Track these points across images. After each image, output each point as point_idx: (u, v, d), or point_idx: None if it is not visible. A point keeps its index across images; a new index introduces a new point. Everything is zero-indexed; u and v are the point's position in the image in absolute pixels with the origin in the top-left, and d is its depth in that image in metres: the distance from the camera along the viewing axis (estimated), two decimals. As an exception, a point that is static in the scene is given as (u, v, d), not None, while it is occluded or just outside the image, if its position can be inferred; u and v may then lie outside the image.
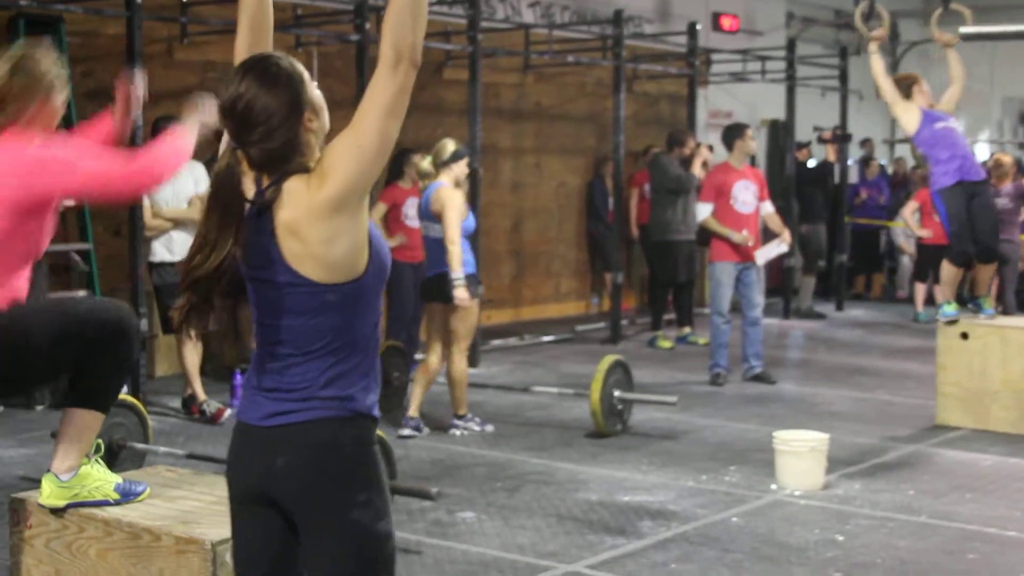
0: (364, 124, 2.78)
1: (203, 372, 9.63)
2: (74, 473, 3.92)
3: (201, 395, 8.43)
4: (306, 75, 2.92)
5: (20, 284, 3.98)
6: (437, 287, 7.83)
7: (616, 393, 7.99)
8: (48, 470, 3.95)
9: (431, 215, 7.84)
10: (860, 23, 9.30)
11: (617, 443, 7.79)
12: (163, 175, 4.07)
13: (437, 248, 7.83)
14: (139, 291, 8.55)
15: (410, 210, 9.70)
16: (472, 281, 7.81)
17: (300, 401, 2.88)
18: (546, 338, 12.40)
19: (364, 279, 2.87)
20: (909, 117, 8.42)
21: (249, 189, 2.90)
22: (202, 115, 4.16)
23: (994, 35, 8.33)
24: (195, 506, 3.89)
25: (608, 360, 8.01)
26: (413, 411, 7.98)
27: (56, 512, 3.90)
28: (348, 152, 2.79)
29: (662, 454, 7.51)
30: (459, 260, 7.72)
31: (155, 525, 3.69)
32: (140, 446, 6.47)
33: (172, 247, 8.45)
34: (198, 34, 10.37)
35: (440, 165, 7.91)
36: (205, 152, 8.94)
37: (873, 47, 8.72)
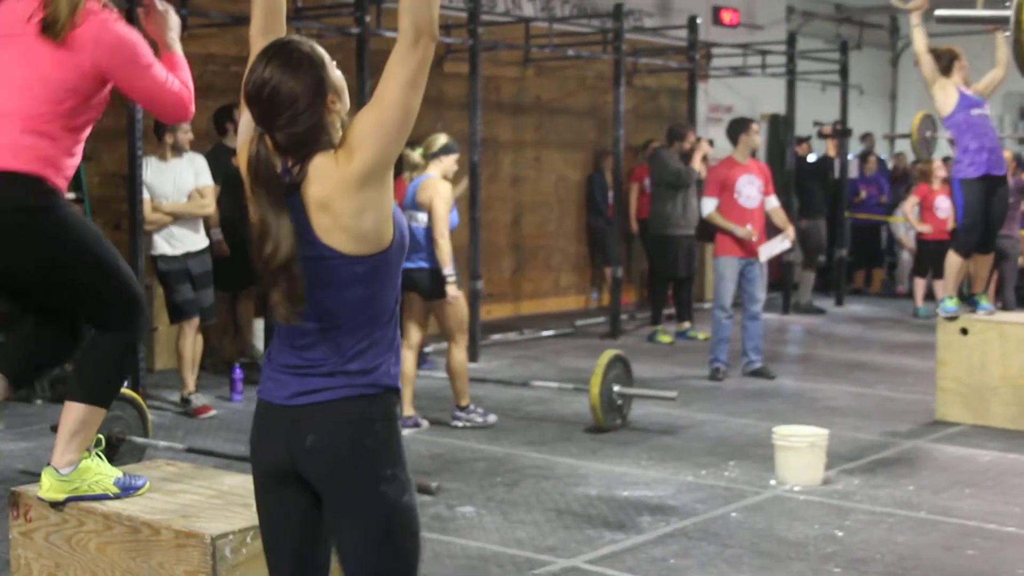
0: (387, 99, 2.85)
1: (203, 366, 9.64)
2: (74, 467, 3.92)
3: (190, 387, 8.42)
4: (327, 57, 2.98)
5: (72, 172, 4.03)
6: (420, 281, 7.78)
7: (616, 388, 7.99)
8: (48, 464, 3.95)
9: (416, 205, 7.82)
10: None
11: (617, 438, 7.79)
12: (191, 110, 4.18)
13: (418, 240, 7.79)
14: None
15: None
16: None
17: (326, 377, 2.93)
18: (546, 333, 12.39)
19: (390, 251, 2.95)
20: (945, 97, 8.36)
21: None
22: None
23: (968, 19, 8.22)
24: (195, 500, 3.89)
25: (608, 355, 8.00)
26: (407, 410, 7.97)
27: (56, 506, 3.90)
28: (372, 127, 2.86)
29: (661, 449, 7.51)
30: (449, 255, 7.72)
31: (155, 519, 3.69)
32: (140, 440, 6.47)
33: (173, 241, 8.45)
34: (199, 26, 10.35)
35: (430, 157, 7.90)
36: (205, 144, 9.01)
37: (915, 19, 8.45)
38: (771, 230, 10.27)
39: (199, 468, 4.45)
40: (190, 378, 8.42)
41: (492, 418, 8.09)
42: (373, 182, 2.88)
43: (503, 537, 5.71)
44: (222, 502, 3.85)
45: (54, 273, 3.97)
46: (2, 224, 3.88)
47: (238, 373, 8.88)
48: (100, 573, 3.81)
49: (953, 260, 8.55)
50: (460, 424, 8.01)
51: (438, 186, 7.79)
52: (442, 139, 7.96)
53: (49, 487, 3.92)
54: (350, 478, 2.93)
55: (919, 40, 8.41)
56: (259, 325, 9.99)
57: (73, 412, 3.98)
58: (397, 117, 2.86)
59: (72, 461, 3.93)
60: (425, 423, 8.00)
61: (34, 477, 4.08)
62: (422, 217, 7.80)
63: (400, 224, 3.00)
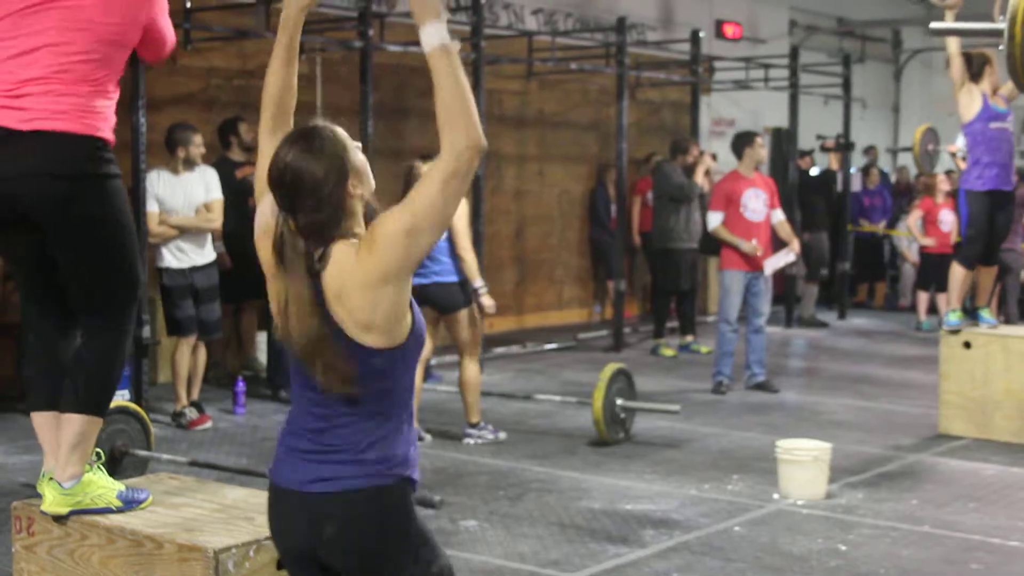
0: (419, 203, 2.81)
1: (206, 379, 9.64)
2: (77, 480, 3.90)
3: (183, 400, 8.42)
4: (349, 142, 2.98)
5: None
6: (434, 295, 7.77)
7: (619, 401, 7.98)
8: (50, 478, 3.94)
9: None
10: None
11: (620, 451, 7.78)
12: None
13: (431, 253, 7.78)
14: (143, 297, 8.55)
15: None
16: (460, 289, 7.79)
17: (342, 465, 2.92)
18: (548, 346, 12.39)
19: (407, 343, 2.93)
20: (969, 103, 8.33)
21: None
22: None
23: (963, 31, 8.17)
24: (198, 514, 3.88)
25: (611, 368, 8.00)
26: (474, 417, 7.99)
27: (59, 519, 3.90)
28: (402, 229, 2.81)
29: (665, 463, 7.50)
30: (476, 268, 7.75)
31: (158, 533, 3.69)
32: (142, 453, 6.46)
33: (180, 255, 8.41)
34: (202, 40, 10.36)
35: None
36: (208, 156, 9.00)
37: (949, 17, 8.31)
38: (776, 243, 10.27)
39: (202, 482, 4.44)
40: (183, 392, 8.41)
41: (503, 435, 8.07)
42: (393, 281, 2.85)
43: (506, 551, 5.70)
44: (225, 516, 3.85)
45: (88, 247, 3.95)
46: (54, 190, 3.85)
47: (240, 386, 8.88)
48: (103, 587, 3.80)
49: (957, 272, 8.54)
50: (472, 441, 7.98)
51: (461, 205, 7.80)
52: None
53: (52, 501, 3.89)
54: (371, 570, 2.95)
55: (952, 42, 8.33)
56: (262, 338, 9.99)
57: (72, 425, 3.94)
58: (427, 224, 2.80)
59: (75, 474, 3.90)
60: (428, 437, 7.99)
61: (37, 490, 4.06)
62: None
63: (417, 315, 2.98)
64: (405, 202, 2.84)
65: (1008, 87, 8.37)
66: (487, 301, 7.82)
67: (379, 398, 2.95)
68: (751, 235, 9.75)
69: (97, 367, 4.00)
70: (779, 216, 10.11)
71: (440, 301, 7.76)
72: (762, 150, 10.05)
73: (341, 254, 2.89)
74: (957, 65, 8.28)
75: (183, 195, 8.41)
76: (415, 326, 2.96)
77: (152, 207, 8.35)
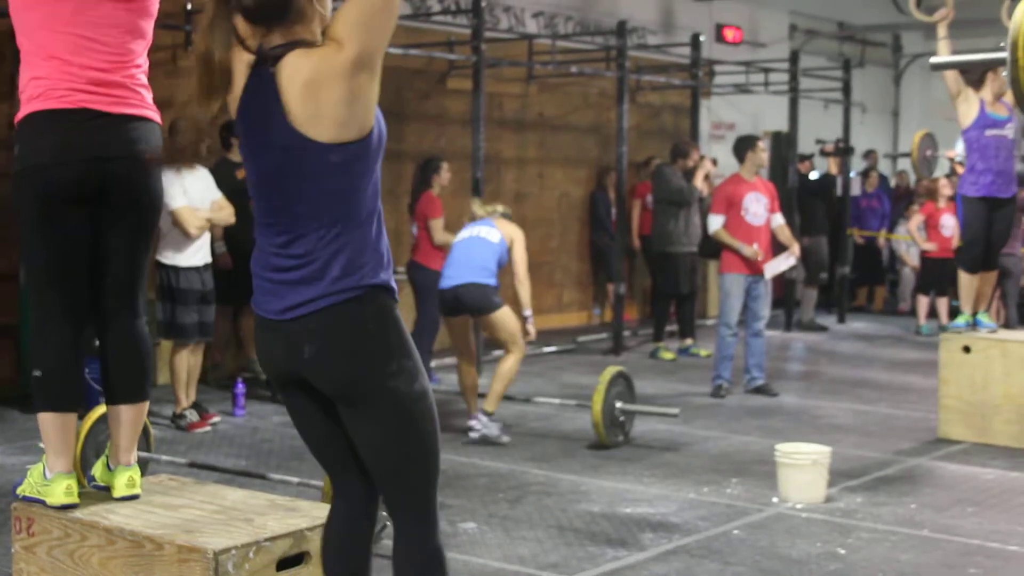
0: None
1: (204, 380, 9.65)
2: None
3: (183, 403, 8.38)
4: None
5: None
6: (465, 297, 7.86)
7: (618, 404, 7.99)
8: (115, 466, 4.05)
9: (492, 225, 8.11)
10: (915, 9, 8.87)
11: (619, 454, 7.78)
12: None
13: (467, 253, 7.99)
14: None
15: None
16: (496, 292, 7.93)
17: (311, 286, 3.00)
18: (548, 349, 12.39)
19: (368, 140, 3.00)
20: (967, 110, 8.38)
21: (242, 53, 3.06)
22: None
23: (965, 63, 8.21)
24: (197, 515, 3.88)
25: (610, 371, 8.00)
26: (491, 405, 8.09)
27: (58, 520, 3.90)
28: (356, 18, 2.92)
29: (664, 466, 7.50)
30: (528, 297, 8.17)
31: (157, 534, 3.69)
32: (143, 455, 6.44)
33: (195, 254, 8.32)
34: (202, 42, 10.36)
35: (502, 215, 8.28)
36: (211, 159, 9.00)
37: (941, 31, 8.37)
38: (776, 247, 10.27)
39: (202, 483, 4.44)
40: (183, 395, 8.38)
41: (506, 438, 8.07)
42: (366, 69, 2.94)
43: (505, 554, 5.70)
44: (225, 517, 3.85)
45: (141, 236, 4.04)
46: (141, 173, 3.94)
47: (240, 388, 8.88)
48: (102, 588, 3.80)
49: (963, 277, 8.60)
50: (476, 430, 8.00)
51: (519, 232, 8.12)
52: (500, 208, 8.36)
53: (128, 483, 4.03)
54: (352, 382, 3.03)
55: (944, 53, 8.38)
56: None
57: (133, 412, 4.06)
58: (378, 4, 2.91)
59: (135, 457, 4.09)
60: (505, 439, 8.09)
61: (89, 485, 4.19)
62: (493, 235, 8.00)
63: (380, 121, 3.05)
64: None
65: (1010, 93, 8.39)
66: (532, 329, 8.18)
67: (337, 202, 2.99)
68: (752, 239, 9.76)
69: (143, 353, 4.09)
70: (779, 220, 10.12)
71: (474, 302, 7.81)
72: (764, 154, 10.06)
73: (307, 54, 2.96)
74: (951, 75, 8.32)
75: (201, 189, 8.37)
76: (377, 128, 3.03)
77: (183, 201, 8.19)
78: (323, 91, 2.90)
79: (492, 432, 7.99)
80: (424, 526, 3.16)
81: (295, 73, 2.93)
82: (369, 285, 3.01)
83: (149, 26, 4.03)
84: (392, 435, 3.07)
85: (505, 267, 8.08)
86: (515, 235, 8.05)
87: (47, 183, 3.83)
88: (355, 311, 3.00)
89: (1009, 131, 8.40)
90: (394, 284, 3.10)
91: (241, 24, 3.02)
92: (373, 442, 3.09)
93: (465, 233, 8.14)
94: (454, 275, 7.93)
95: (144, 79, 4.01)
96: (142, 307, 4.11)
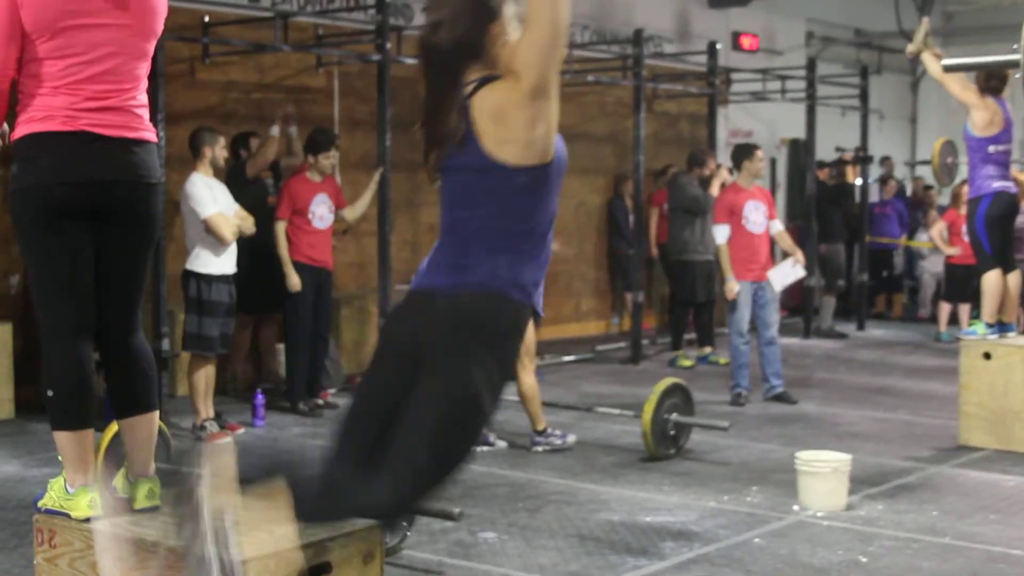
0: (534, 17, 3.19)
1: (224, 392, 9.68)
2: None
3: (203, 414, 8.39)
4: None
5: None
6: None
7: (672, 416, 7.87)
8: (135, 478, 4.10)
9: None
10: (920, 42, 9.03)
11: (639, 464, 7.77)
12: None
13: None
14: (161, 310, 8.57)
15: None
16: None
17: (471, 271, 3.29)
18: (567, 358, 12.38)
19: (551, 165, 3.32)
20: (976, 117, 8.44)
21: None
22: None
23: (977, 66, 8.23)
24: (218, 526, 3.88)
25: (665, 383, 7.89)
26: (538, 424, 8.11)
27: (79, 532, 3.91)
28: (528, 50, 3.21)
29: (683, 475, 7.49)
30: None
31: (177, 544, 3.68)
32: (162, 466, 6.46)
33: (227, 262, 8.35)
34: (220, 54, 10.42)
35: None
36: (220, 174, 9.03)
37: (933, 62, 8.52)
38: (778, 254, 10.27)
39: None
40: (202, 407, 8.40)
41: (571, 438, 8.12)
42: (543, 94, 3.22)
43: (526, 563, 5.69)
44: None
45: (140, 256, 4.09)
46: (141, 196, 3.99)
47: (259, 399, 8.89)
48: (124, 599, 3.81)
49: (985, 279, 8.61)
50: (540, 449, 8.02)
51: None
52: None
53: (150, 494, 4.08)
54: (451, 343, 3.26)
55: (932, 67, 8.53)
56: (281, 350, 10.01)
57: (149, 423, 4.12)
58: (547, 32, 3.18)
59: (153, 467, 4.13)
60: (502, 443, 8.11)
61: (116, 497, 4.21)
62: None
63: (560, 148, 3.36)
64: (524, 27, 3.26)
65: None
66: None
67: (520, 219, 3.31)
68: (753, 247, 9.81)
69: (146, 365, 4.13)
70: (778, 227, 10.12)
71: None
72: (761, 163, 10.06)
73: (494, 86, 3.28)
74: (950, 84, 8.43)
75: (227, 198, 8.40)
76: (558, 154, 3.35)
77: (215, 208, 8.20)
78: (509, 117, 3.24)
79: (555, 443, 8.05)
80: (392, 489, 3.33)
81: (484, 103, 3.27)
82: (517, 294, 3.32)
83: (153, 46, 4.06)
84: (433, 411, 3.27)
85: None
86: None
87: (46, 199, 3.86)
88: (496, 300, 3.28)
89: (1010, 146, 8.56)
90: (539, 310, 3.39)
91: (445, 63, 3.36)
92: (418, 406, 3.28)
93: None
94: None
95: (144, 99, 4.04)
96: (140, 322, 4.15)
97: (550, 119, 3.27)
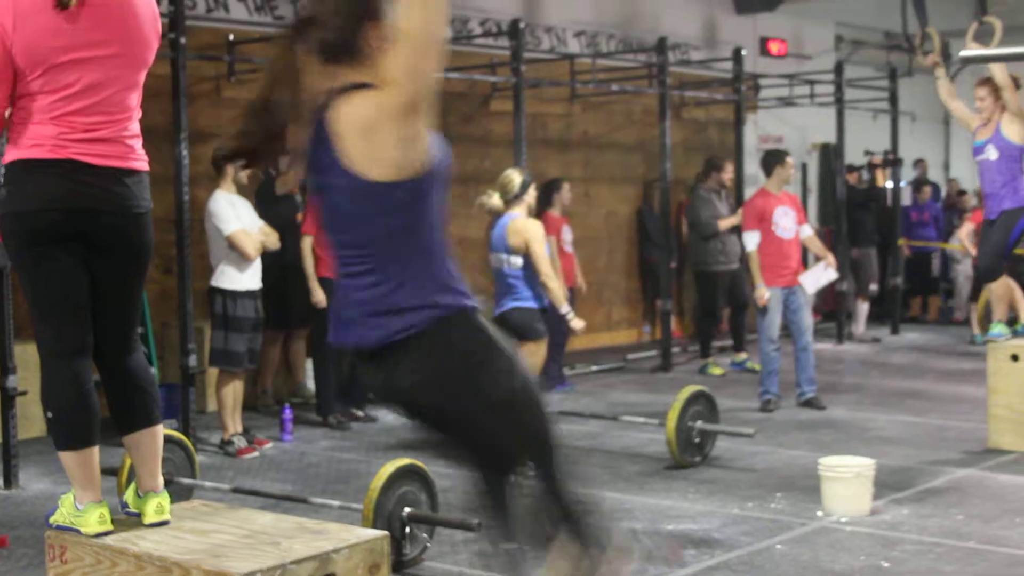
0: (409, 31, 2.98)
1: (254, 407, 9.73)
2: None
3: (231, 429, 8.41)
4: None
5: None
6: (510, 322, 7.75)
7: (696, 424, 7.85)
8: (143, 493, 4.14)
9: (509, 248, 7.84)
10: (926, 55, 9.13)
11: (663, 472, 7.76)
12: None
13: (508, 282, 7.85)
14: (188, 327, 8.63)
15: (567, 235, 10.94)
16: (540, 317, 7.85)
17: (393, 316, 3.09)
18: (596, 367, 12.38)
19: (431, 172, 3.10)
20: (1018, 127, 8.53)
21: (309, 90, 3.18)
22: None
23: (994, 57, 8.21)
24: (227, 540, 3.91)
25: (688, 390, 7.88)
26: None
27: (89, 547, 3.95)
28: (405, 62, 2.98)
29: (709, 482, 7.47)
30: (562, 294, 7.99)
31: (185, 559, 3.72)
32: (187, 481, 6.53)
33: (254, 278, 8.37)
34: (245, 72, 10.50)
35: (512, 199, 7.93)
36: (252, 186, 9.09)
37: (939, 72, 8.62)
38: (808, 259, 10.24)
39: (233, 508, 4.48)
40: (231, 422, 8.43)
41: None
42: (414, 111, 3.01)
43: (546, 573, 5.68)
44: (253, 541, 3.88)
45: (133, 284, 4.13)
46: (129, 224, 4.02)
47: (288, 413, 8.93)
48: (135, 613, 3.84)
49: (995, 284, 8.57)
50: None
51: (530, 227, 7.86)
52: (516, 177, 8.01)
53: (159, 508, 4.10)
54: (454, 402, 3.20)
55: (942, 90, 8.71)
56: (310, 365, 10.05)
57: (155, 437, 4.15)
58: (424, 46, 2.97)
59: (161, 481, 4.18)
60: None
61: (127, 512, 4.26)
62: (516, 261, 7.84)
63: (438, 150, 3.14)
64: (399, 37, 3.01)
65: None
66: (576, 324, 8.15)
67: (401, 237, 3.08)
68: (783, 252, 9.75)
69: (145, 382, 4.16)
70: (807, 232, 10.07)
71: (519, 327, 7.74)
72: (791, 170, 10.03)
73: (361, 97, 3.04)
74: (955, 109, 8.70)
75: (250, 215, 8.45)
76: (436, 160, 3.13)
77: (237, 225, 8.24)
78: (378, 135, 3.01)
79: None
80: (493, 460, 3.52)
81: (351, 115, 3.03)
82: (449, 307, 3.15)
83: (143, 75, 4.07)
84: (490, 421, 3.35)
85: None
86: (529, 238, 7.79)
87: (34, 224, 3.89)
88: (438, 335, 3.13)
89: (991, 153, 8.52)
90: (471, 303, 3.21)
91: (313, 64, 3.16)
92: (470, 432, 3.39)
93: (493, 262, 8.05)
94: (500, 298, 7.94)
95: (136, 128, 4.05)
96: (137, 342, 4.20)
97: (423, 136, 3.07)
